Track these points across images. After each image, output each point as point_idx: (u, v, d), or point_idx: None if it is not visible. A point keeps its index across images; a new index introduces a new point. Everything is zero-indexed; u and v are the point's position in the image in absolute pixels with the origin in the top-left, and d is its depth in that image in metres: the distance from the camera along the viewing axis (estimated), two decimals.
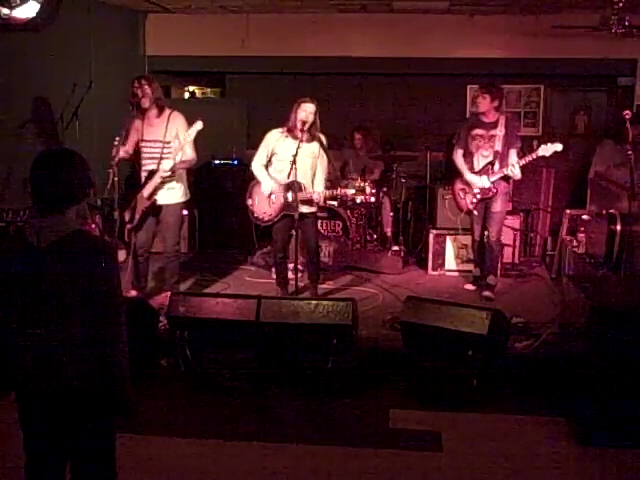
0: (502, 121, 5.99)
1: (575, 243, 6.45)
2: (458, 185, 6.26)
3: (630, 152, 5.26)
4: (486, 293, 6.19)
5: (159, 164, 5.54)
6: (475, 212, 6.15)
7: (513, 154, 5.98)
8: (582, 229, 6.41)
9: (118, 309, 2.53)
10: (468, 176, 6.09)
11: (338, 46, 8.25)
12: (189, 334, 4.76)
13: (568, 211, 7.06)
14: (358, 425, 4.19)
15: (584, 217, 6.48)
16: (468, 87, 8.79)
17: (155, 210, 5.70)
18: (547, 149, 5.79)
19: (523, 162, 5.89)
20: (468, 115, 8.43)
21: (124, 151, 5.61)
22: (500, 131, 5.96)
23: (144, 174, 5.65)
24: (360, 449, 3.90)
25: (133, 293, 5.75)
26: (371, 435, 4.07)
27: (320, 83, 8.66)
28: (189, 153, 5.60)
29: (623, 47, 7.65)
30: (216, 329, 4.80)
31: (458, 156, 6.21)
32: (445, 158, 8.37)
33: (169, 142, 5.54)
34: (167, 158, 5.52)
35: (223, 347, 4.98)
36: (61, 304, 2.45)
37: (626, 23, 6.84)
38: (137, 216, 5.65)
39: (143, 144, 5.64)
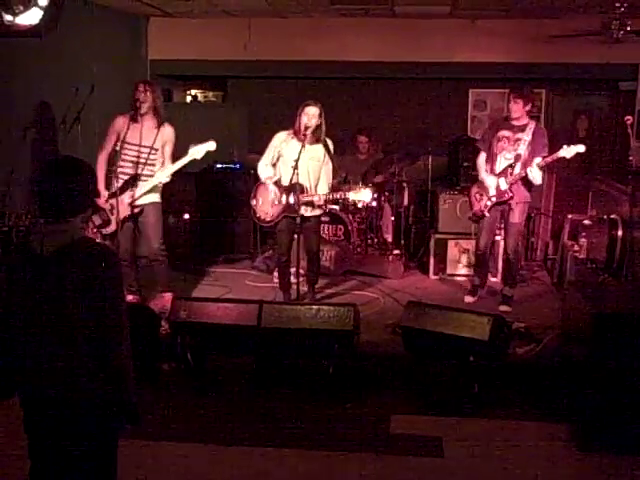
0: (531, 126, 5.84)
1: (576, 248, 6.44)
2: (475, 188, 6.12)
3: (631, 158, 5.27)
4: (503, 307, 6.00)
5: (143, 169, 5.55)
6: (487, 214, 5.97)
7: (537, 161, 5.72)
8: (583, 234, 6.40)
9: (121, 316, 2.54)
10: (483, 174, 5.97)
11: (340, 50, 8.27)
12: (190, 339, 4.77)
13: (569, 216, 7.04)
14: (359, 430, 4.18)
15: (585, 222, 6.46)
16: (470, 91, 8.82)
17: (132, 214, 5.65)
18: (569, 150, 5.56)
19: (543, 164, 5.67)
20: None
21: (106, 153, 5.62)
22: (527, 136, 5.79)
23: (121, 176, 5.53)
24: (361, 454, 3.90)
25: (129, 298, 5.71)
26: (372, 440, 4.07)
27: (322, 87, 8.67)
28: (171, 166, 5.63)
29: (624, 52, 7.66)
30: (217, 334, 4.81)
31: (481, 158, 6.08)
32: (448, 162, 8.39)
33: (157, 150, 5.57)
34: (152, 164, 5.56)
35: (224, 352, 4.99)
36: (65, 311, 2.46)
37: (627, 28, 6.85)
38: (119, 221, 5.53)
39: (126, 146, 5.53)
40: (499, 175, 5.89)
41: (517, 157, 5.80)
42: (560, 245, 7.08)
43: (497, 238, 6.67)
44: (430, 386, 4.66)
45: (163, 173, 5.56)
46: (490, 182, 5.92)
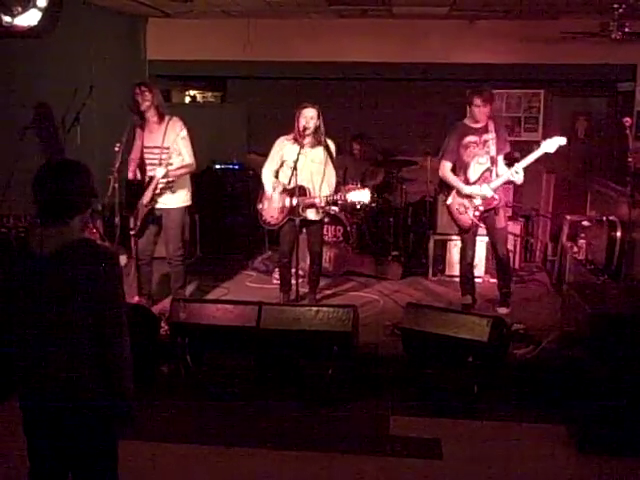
0: (491, 125, 5.69)
1: (575, 249, 6.44)
2: (455, 201, 5.78)
3: (630, 159, 5.27)
4: (502, 309, 5.90)
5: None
6: (482, 224, 5.81)
7: (501, 160, 5.69)
8: (582, 235, 6.41)
9: (120, 317, 2.54)
10: (467, 189, 5.66)
11: (339, 51, 8.26)
12: (190, 340, 4.77)
13: (568, 217, 7.04)
14: (358, 432, 4.19)
15: (584, 223, 6.45)
16: (468, 92, 8.80)
17: (155, 216, 5.71)
18: (550, 144, 5.40)
19: (526, 163, 5.52)
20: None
21: (134, 161, 5.69)
22: (491, 134, 5.65)
23: (147, 180, 5.67)
24: (360, 456, 3.91)
25: (136, 299, 5.74)
26: (371, 442, 4.07)
27: (320, 88, 8.68)
28: (187, 159, 5.63)
29: (623, 53, 7.68)
30: (217, 335, 4.81)
31: (447, 170, 5.76)
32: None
33: (167, 148, 5.56)
34: (169, 163, 5.54)
35: (224, 353, 4.99)
36: (63, 312, 2.46)
37: (626, 29, 6.85)
38: (139, 223, 5.66)
39: (145, 150, 5.67)
40: (478, 182, 5.69)
41: (492, 159, 5.66)
42: (559, 246, 7.08)
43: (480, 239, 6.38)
44: (429, 387, 4.66)
45: (157, 173, 5.51)
46: (474, 191, 5.67)
